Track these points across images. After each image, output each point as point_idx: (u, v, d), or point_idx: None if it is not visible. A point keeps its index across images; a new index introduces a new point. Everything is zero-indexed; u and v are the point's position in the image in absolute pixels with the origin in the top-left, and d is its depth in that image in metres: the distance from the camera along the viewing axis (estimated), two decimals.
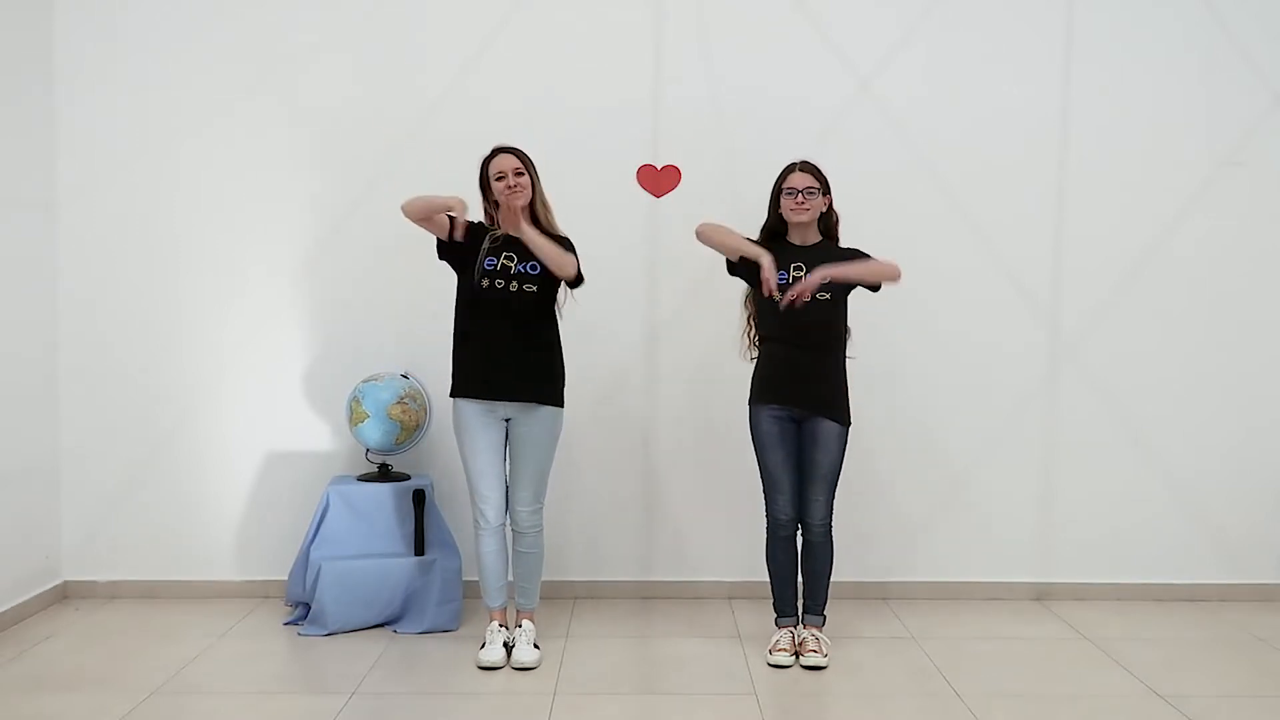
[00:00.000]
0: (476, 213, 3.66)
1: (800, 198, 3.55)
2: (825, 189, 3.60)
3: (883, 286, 3.62)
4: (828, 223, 3.67)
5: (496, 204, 3.59)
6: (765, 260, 3.47)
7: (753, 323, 3.73)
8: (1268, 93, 4.39)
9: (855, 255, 3.62)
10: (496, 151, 3.59)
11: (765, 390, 3.64)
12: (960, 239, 4.36)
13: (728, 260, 3.67)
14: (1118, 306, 4.40)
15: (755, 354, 3.73)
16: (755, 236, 3.70)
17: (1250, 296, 4.42)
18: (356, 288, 4.33)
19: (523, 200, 3.55)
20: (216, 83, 4.28)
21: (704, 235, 3.63)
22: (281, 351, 4.35)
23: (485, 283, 3.55)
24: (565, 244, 3.63)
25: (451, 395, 3.64)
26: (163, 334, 4.32)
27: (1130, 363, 4.41)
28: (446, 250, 3.61)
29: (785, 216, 3.60)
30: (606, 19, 4.30)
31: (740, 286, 3.75)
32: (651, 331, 4.38)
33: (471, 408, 3.59)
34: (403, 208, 3.51)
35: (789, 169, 3.61)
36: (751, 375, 3.71)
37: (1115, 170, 4.37)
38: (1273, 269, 4.43)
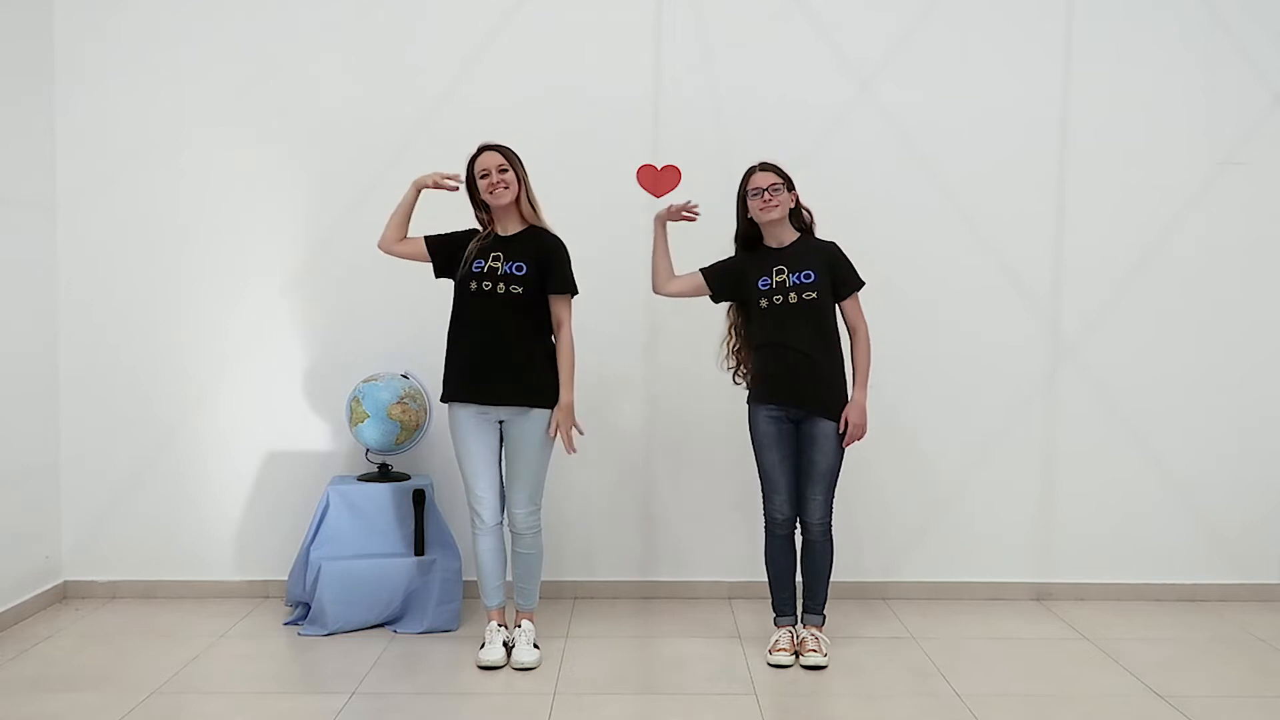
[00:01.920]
0: (465, 216, 3.65)
1: (766, 195, 3.55)
2: (789, 185, 3.60)
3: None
4: (800, 218, 3.67)
5: (484, 205, 3.59)
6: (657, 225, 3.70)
7: (734, 333, 3.74)
8: (1268, 93, 4.39)
9: (834, 250, 3.62)
10: (481, 150, 3.57)
11: (763, 390, 3.64)
12: (960, 238, 4.36)
13: (710, 295, 3.72)
14: (1118, 306, 4.40)
15: (731, 365, 3.76)
16: (735, 248, 3.72)
17: (1250, 296, 4.42)
18: (357, 287, 4.33)
19: (509, 198, 3.53)
20: (216, 83, 4.29)
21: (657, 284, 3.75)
22: (282, 351, 4.35)
23: (473, 285, 3.54)
24: (558, 247, 3.60)
25: (442, 400, 3.63)
26: (163, 334, 4.33)
27: (1130, 363, 4.41)
28: (440, 264, 3.64)
29: (755, 218, 3.61)
30: (606, 19, 4.30)
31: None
32: (651, 331, 4.38)
33: (465, 411, 3.59)
34: (381, 245, 3.65)
35: (749, 172, 3.63)
36: (750, 375, 3.72)
37: (1115, 170, 4.37)
38: (1272, 269, 4.43)
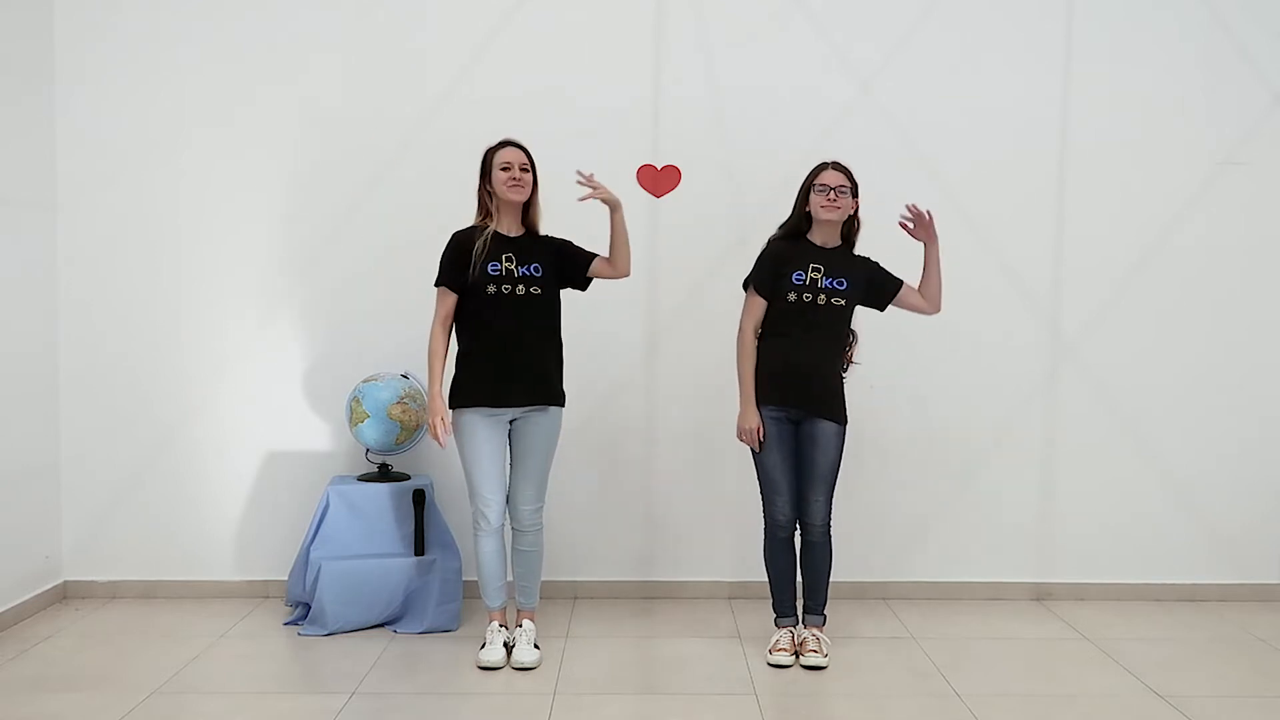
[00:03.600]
0: (465, 216, 3.65)
1: (832, 195, 3.56)
2: (855, 191, 3.61)
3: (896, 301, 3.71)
4: (849, 229, 3.68)
5: (493, 195, 3.58)
6: (740, 417, 3.66)
7: None
8: (1268, 93, 4.39)
9: (870, 265, 3.66)
10: (505, 143, 3.58)
11: (764, 391, 3.64)
12: (961, 239, 4.35)
13: (749, 278, 3.69)
14: (1118, 306, 4.40)
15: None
16: (775, 232, 3.72)
17: (1250, 296, 4.43)
18: (357, 287, 4.33)
19: (524, 196, 3.55)
20: (217, 82, 4.28)
21: (738, 350, 3.70)
22: (281, 351, 4.35)
23: (491, 288, 3.53)
24: (556, 239, 3.64)
25: (457, 406, 3.58)
26: (163, 334, 4.32)
27: (1130, 363, 4.41)
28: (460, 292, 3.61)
29: (814, 214, 3.60)
30: (606, 19, 4.30)
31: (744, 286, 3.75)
32: (652, 331, 4.38)
33: (477, 414, 3.57)
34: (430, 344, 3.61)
35: (821, 166, 3.62)
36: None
37: (1115, 170, 4.38)
38: (1272, 268, 4.43)
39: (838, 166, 3.61)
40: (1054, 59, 4.36)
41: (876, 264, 3.70)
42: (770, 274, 3.63)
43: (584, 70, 4.29)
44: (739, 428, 3.67)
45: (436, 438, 3.55)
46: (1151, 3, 4.36)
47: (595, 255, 3.67)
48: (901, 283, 3.70)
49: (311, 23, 4.28)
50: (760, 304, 3.66)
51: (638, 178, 4.30)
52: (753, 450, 3.68)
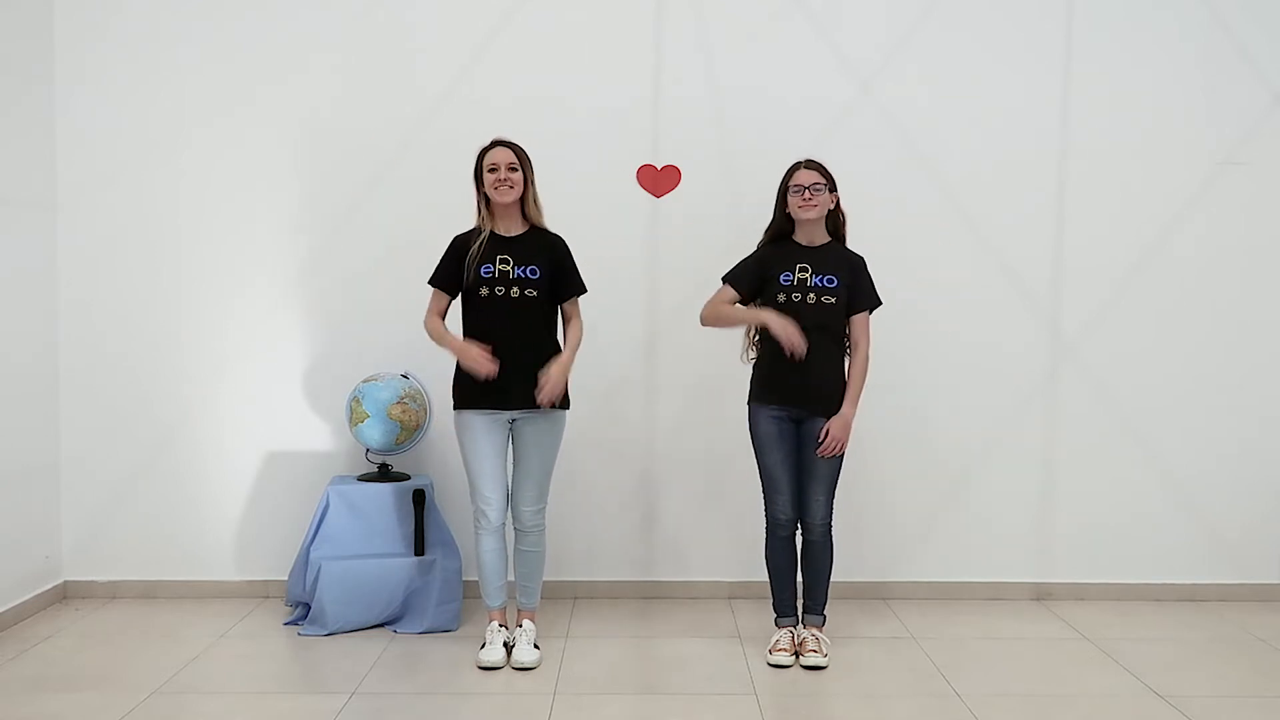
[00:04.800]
0: (465, 215, 3.65)
1: (807, 194, 3.55)
2: (832, 186, 3.60)
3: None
4: (835, 222, 3.67)
5: (488, 198, 3.58)
6: (774, 324, 3.48)
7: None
8: (1268, 92, 4.39)
9: (860, 263, 3.64)
10: (494, 144, 3.57)
11: (764, 390, 3.64)
12: (960, 239, 4.37)
13: (740, 299, 3.68)
14: (1118, 306, 4.40)
15: (754, 355, 3.73)
16: (761, 238, 3.71)
17: (1250, 296, 4.42)
18: (357, 287, 4.33)
19: (511, 197, 3.53)
20: (216, 83, 4.28)
21: (708, 320, 3.68)
22: (281, 351, 4.35)
23: (485, 291, 3.53)
24: (565, 248, 3.63)
25: (458, 408, 3.59)
26: (163, 334, 4.32)
27: (1130, 363, 4.41)
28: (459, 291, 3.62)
29: (793, 214, 3.60)
30: (606, 19, 4.30)
31: None
32: (652, 331, 4.38)
33: (477, 414, 3.58)
34: (427, 330, 3.62)
35: (795, 167, 3.61)
36: (751, 375, 3.72)
37: (1115, 170, 4.37)
38: (1273, 269, 4.43)
39: (810, 164, 3.60)
40: (1054, 59, 4.36)
41: (866, 270, 3.65)
42: (753, 274, 3.63)
43: (584, 70, 4.29)
44: (777, 334, 3.48)
45: (483, 369, 3.44)
46: (1151, 3, 4.36)
47: (575, 297, 3.64)
48: (870, 307, 3.64)
49: (311, 23, 4.28)
50: (728, 293, 3.64)
51: (638, 178, 4.30)
52: (754, 449, 3.68)
